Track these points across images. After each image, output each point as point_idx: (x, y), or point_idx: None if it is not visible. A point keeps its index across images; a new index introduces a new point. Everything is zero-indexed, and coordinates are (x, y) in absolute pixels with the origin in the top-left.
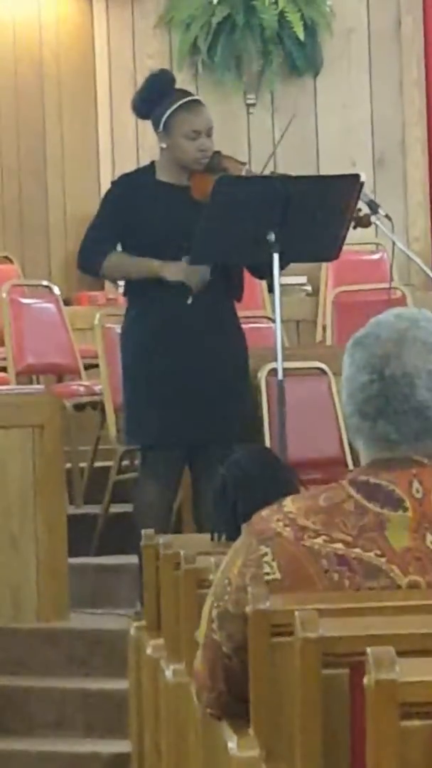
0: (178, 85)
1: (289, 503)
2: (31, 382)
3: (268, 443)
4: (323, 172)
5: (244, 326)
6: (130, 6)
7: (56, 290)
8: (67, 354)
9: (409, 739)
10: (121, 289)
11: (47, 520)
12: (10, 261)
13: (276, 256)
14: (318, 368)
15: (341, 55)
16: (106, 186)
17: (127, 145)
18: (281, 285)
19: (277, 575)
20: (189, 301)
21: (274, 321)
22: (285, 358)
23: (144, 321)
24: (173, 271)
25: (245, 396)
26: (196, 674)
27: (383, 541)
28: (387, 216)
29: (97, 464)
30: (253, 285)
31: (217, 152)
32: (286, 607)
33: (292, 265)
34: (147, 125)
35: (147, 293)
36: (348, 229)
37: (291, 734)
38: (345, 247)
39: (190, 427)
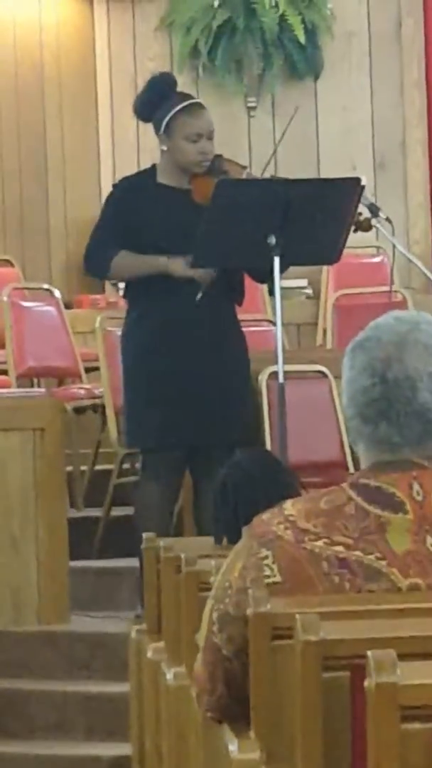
0: (178, 89)
1: (289, 506)
2: (32, 385)
3: (268, 446)
4: (324, 174)
5: (244, 329)
6: (130, 9)
7: (57, 293)
8: (68, 357)
9: (410, 742)
10: (121, 292)
11: (48, 522)
12: (11, 264)
13: (277, 259)
14: (318, 371)
15: (342, 57)
16: (106, 189)
17: (127, 147)
18: (282, 288)
19: (278, 578)
20: (199, 297)
21: (274, 324)
22: (286, 361)
23: (144, 324)
24: (181, 266)
25: (246, 399)
26: (196, 677)
27: (384, 544)
28: (387, 219)
29: (98, 467)
30: (254, 288)
31: (218, 155)
32: (287, 610)
33: (293, 268)
34: (148, 128)
35: (148, 295)
36: (348, 232)
37: (292, 737)
38: (345, 250)
39: (190, 429)
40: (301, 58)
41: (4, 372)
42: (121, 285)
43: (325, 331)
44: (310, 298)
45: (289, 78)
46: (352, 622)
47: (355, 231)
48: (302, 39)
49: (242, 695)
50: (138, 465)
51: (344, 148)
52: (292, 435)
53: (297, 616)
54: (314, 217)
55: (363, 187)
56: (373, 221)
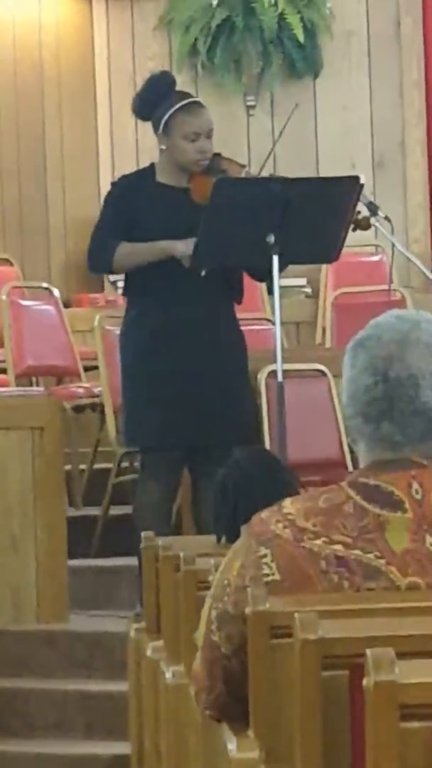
0: (177, 88)
1: (288, 505)
2: (30, 384)
3: (267, 445)
4: (323, 173)
5: (243, 328)
6: (129, 8)
7: (56, 292)
8: (67, 356)
9: (409, 740)
10: (120, 291)
11: (47, 521)
12: (10, 263)
13: (275, 258)
14: (318, 370)
15: (341, 56)
16: (105, 188)
17: (126, 146)
18: (281, 287)
19: (277, 576)
20: (203, 273)
21: (273, 323)
22: (285, 360)
23: (143, 323)
24: (183, 246)
25: (245, 398)
26: (195, 676)
27: (383, 543)
28: (386, 218)
29: (97, 466)
30: (253, 287)
31: (217, 154)
32: (286, 609)
33: (292, 267)
34: (147, 127)
35: (147, 294)
36: (347, 231)
37: (291, 736)
38: (344, 249)
39: (189, 428)
40: (300, 57)
41: (3, 371)
42: (120, 284)
43: (324, 330)
44: (309, 296)
45: (288, 77)
46: (351, 620)
47: (354, 230)
48: (301, 38)
49: (241, 694)
50: (137, 464)
51: (343, 148)
52: (291, 434)
53: (296, 614)
54: (313, 215)
55: (362, 186)
56: (372, 220)
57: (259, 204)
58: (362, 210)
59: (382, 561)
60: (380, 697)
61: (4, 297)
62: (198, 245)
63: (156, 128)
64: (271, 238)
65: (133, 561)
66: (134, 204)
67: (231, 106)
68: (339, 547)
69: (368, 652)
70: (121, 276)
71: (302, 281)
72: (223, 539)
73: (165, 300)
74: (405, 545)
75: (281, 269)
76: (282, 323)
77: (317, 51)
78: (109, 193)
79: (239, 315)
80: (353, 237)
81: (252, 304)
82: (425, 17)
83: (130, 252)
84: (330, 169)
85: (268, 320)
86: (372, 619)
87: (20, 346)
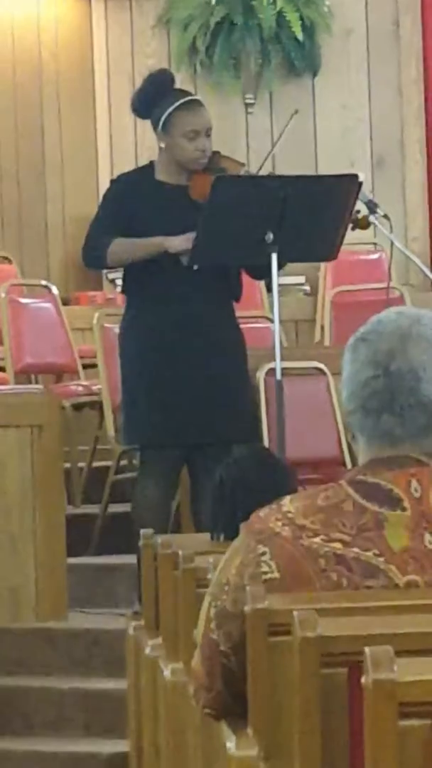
0: (176, 86)
1: (287, 503)
2: (29, 382)
3: (266, 443)
4: (322, 172)
5: (242, 326)
6: (128, 6)
7: (55, 290)
8: (66, 354)
9: (408, 738)
10: (119, 288)
11: (46, 519)
12: (9, 261)
13: (274, 256)
14: (316, 368)
15: (340, 55)
16: (104, 186)
17: (125, 145)
18: (279, 285)
19: (276, 574)
20: (195, 267)
21: (272, 321)
22: (283, 358)
23: (142, 321)
24: (177, 241)
25: (244, 396)
26: (193, 674)
27: (381, 541)
28: (385, 216)
29: (96, 464)
30: (252, 285)
31: (216, 152)
32: (285, 607)
33: (291, 265)
34: (146, 125)
35: (146, 292)
36: (346, 229)
37: (289, 734)
38: (343, 247)
39: (188, 426)
40: (298, 56)
41: (2, 369)
42: (119, 282)
43: (322, 328)
44: (308, 294)
45: (287, 75)
46: (350, 618)
47: (353, 229)
48: (300, 36)
49: (240, 692)
50: (136, 462)
51: (342, 146)
52: (289, 432)
53: (294, 612)
54: (312, 213)
55: (360, 184)
56: (371, 218)
57: (258, 202)
58: (361, 209)
59: (381, 559)
60: (379, 695)
61: (3, 295)
62: (197, 243)
63: (155, 126)
64: (270, 236)
65: (132, 559)
66: (133, 202)
67: (230, 104)
68: (338, 545)
69: (367, 650)
70: (120, 274)
71: (301, 279)
72: (222, 537)
73: (164, 298)
74: (404, 543)
75: (280, 267)
76: (281, 321)
77: (316, 49)
78: (108, 190)
79: (238, 313)
80: (352, 235)
81: (251, 302)
82: (424, 16)
83: (124, 246)
84: (329, 167)
85: (267, 318)
86: (371, 617)
87: (19, 343)
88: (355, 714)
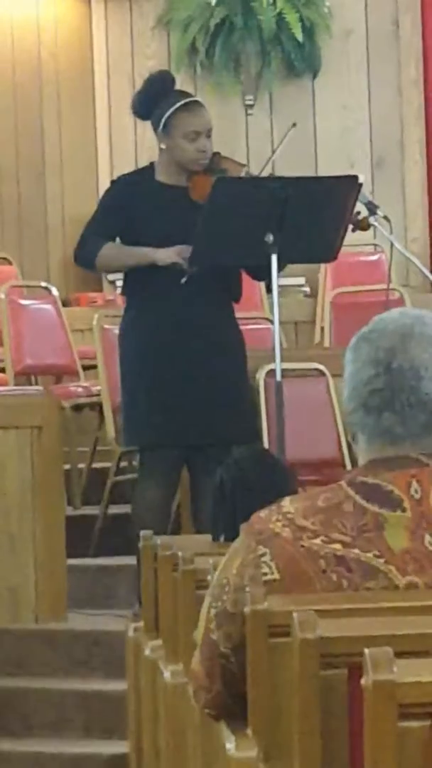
0: (176, 87)
1: (287, 504)
2: (29, 383)
3: (266, 444)
4: (322, 173)
5: (242, 327)
6: (128, 7)
7: (54, 291)
8: (66, 355)
9: (407, 739)
10: (119, 290)
11: (46, 521)
12: (9, 262)
13: (274, 257)
14: (316, 369)
15: (339, 55)
16: (104, 187)
17: (125, 145)
18: (279, 286)
19: (276, 575)
20: (183, 281)
21: (272, 322)
22: (283, 359)
23: (142, 322)
24: (164, 254)
25: (244, 397)
26: (193, 675)
27: (381, 542)
28: (385, 217)
29: (96, 465)
30: (252, 286)
31: (217, 153)
32: (284, 608)
33: (291, 266)
34: (146, 126)
35: (145, 293)
36: (346, 230)
37: (289, 735)
38: (343, 249)
39: (188, 427)
40: (298, 56)
41: (2, 370)
42: (119, 283)
43: (322, 329)
44: (308, 296)
45: (287, 76)
46: (350, 619)
47: (354, 230)
48: (300, 37)
49: (239, 693)
50: (136, 463)
51: (342, 147)
52: (289, 433)
53: (294, 613)
54: (312, 215)
55: (360, 185)
56: (371, 219)
57: (258, 203)
58: (361, 210)
59: (381, 560)
60: (379, 696)
61: (2, 296)
62: (196, 244)
63: (156, 127)
64: (270, 237)
65: (131, 560)
66: (133, 203)
67: (230, 105)
68: (338, 546)
69: (367, 651)
70: (120, 275)
71: (301, 280)
72: (222, 538)
73: (164, 299)
74: (404, 544)
75: (280, 268)
76: (281, 322)
77: (316, 50)
78: (107, 191)
79: (238, 314)
80: (352, 236)
81: (251, 304)
82: (424, 16)
83: (114, 254)
84: (329, 168)
85: (267, 319)
86: (371, 619)
87: (19, 345)
88: (354, 715)
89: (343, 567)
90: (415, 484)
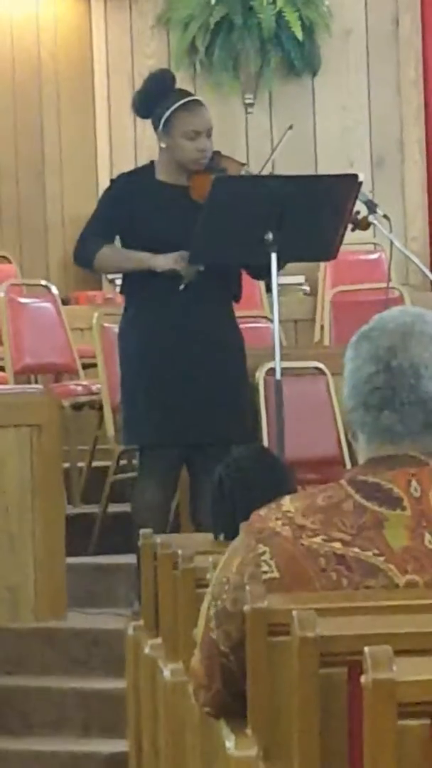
0: (176, 86)
1: (287, 502)
2: (29, 382)
3: (266, 443)
4: (321, 171)
5: (242, 326)
6: (128, 6)
7: (54, 290)
8: (65, 353)
9: (407, 738)
10: (118, 288)
11: (45, 519)
12: (8, 260)
13: (274, 256)
14: (316, 368)
15: (339, 55)
16: (104, 185)
17: (125, 144)
18: (279, 285)
19: (275, 574)
20: (181, 288)
21: (272, 321)
22: (283, 358)
23: (142, 321)
24: (163, 261)
25: (243, 396)
26: (193, 673)
27: (381, 541)
28: (385, 216)
29: (95, 464)
30: (252, 285)
31: (217, 152)
32: (284, 606)
33: (290, 265)
34: (145, 125)
35: (145, 292)
36: (346, 228)
37: (289, 733)
38: (343, 247)
39: (188, 426)
40: (298, 56)
41: (2, 369)
42: (118, 282)
43: (322, 328)
44: (308, 294)
45: (287, 75)
46: (350, 618)
47: (353, 230)
48: (300, 36)
49: (239, 691)
50: (135, 461)
51: (342, 146)
52: (289, 431)
53: (294, 612)
54: (311, 213)
55: (360, 184)
56: (371, 218)
57: (258, 202)
58: (361, 209)
59: (381, 558)
60: (378, 694)
61: (2, 294)
62: (196, 243)
63: (156, 126)
64: (270, 236)
65: (131, 559)
66: (133, 201)
67: (229, 104)
68: (338, 544)
69: (366, 649)
70: (119, 274)
71: (300, 279)
72: (221, 537)
73: (163, 298)
74: (404, 543)
75: (279, 267)
76: (280, 321)
77: (315, 49)
78: (107, 190)
79: (238, 313)
80: (351, 235)
81: (250, 302)
82: (423, 15)
83: (113, 256)
84: (328, 167)
85: (267, 318)
86: (370, 617)
87: (18, 343)
88: (354, 713)
89: (342, 565)
90: (414, 483)
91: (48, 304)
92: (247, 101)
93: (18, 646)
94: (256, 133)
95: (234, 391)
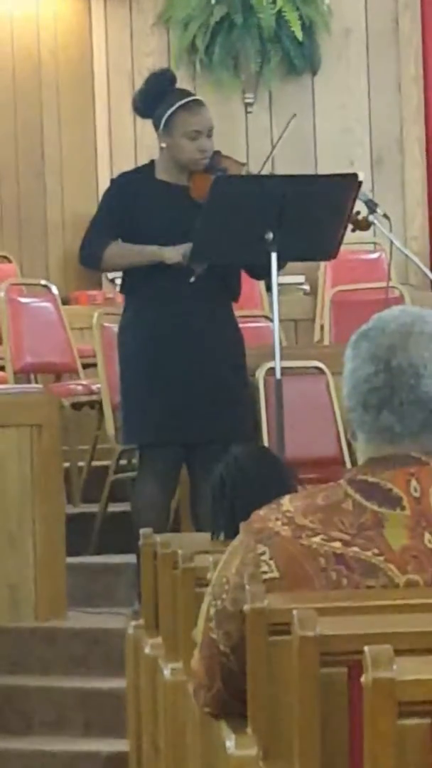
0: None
1: (287, 502)
2: (29, 382)
3: (266, 442)
4: (321, 171)
5: (242, 325)
6: (127, 5)
7: (54, 289)
8: (65, 353)
9: (407, 737)
10: (118, 288)
11: (45, 519)
12: (8, 260)
13: (274, 255)
14: (316, 367)
15: (339, 53)
16: (104, 185)
17: (125, 144)
18: (279, 284)
19: (275, 574)
20: (192, 280)
21: (272, 320)
22: (283, 357)
23: (141, 320)
24: (172, 253)
25: (243, 395)
26: (193, 673)
27: (381, 540)
28: (385, 215)
29: (95, 463)
30: (252, 284)
31: (217, 152)
32: (284, 606)
33: (290, 264)
34: (145, 124)
35: (144, 292)
36: (346, 228)
37: (289, 733)
38: (343, 247)
39: (188, 426)
40: (298, 55)
41: (2, 368)
42: (118, 281)
43: (322, 327)
44: (308, 294)
45: (287, 74)
46: (350, 617)
47: (354, 230)
48: (299, 35)
49: (239, 691)
50: (135, 461)
51: (341, 145)
52: (289, 431)
53: (294, 611)
54: (311, 213)
55: (360, 183)
56: (371, 217)
57: (258, 201)
58: (362, 210)
59: (381, 558)
60: (378, 694)
61: (2, 294)
62: (196, 242)
63: (156, 126)
64: (270, 236)
65: (131, 558)
66: (133, 201)
67: (229, 103)
68: (338, 544)
69: (366, 649)
70: (120, 273)
71: (300, 278)
72: (221, 536)
73: (163, 298)
74: (403, 542)
75: (280, 266)
76: (280, 320)
77: (315, 48)
78: (108, 190)
79: (238, 312)
80: (351, 234)
81: (250, 302)
82: (423, 14)
83: (119, 252)
84: (328, 166)
85: (267, 317)
86: (370, 617)
87: (19, 343)
88: (354, 713)
89: (342, 565)
90: (414, 483)
91: (48, 304)
92: (247, 100)
93: (18, 646)
94: (256, 132)
95: (234, 390)
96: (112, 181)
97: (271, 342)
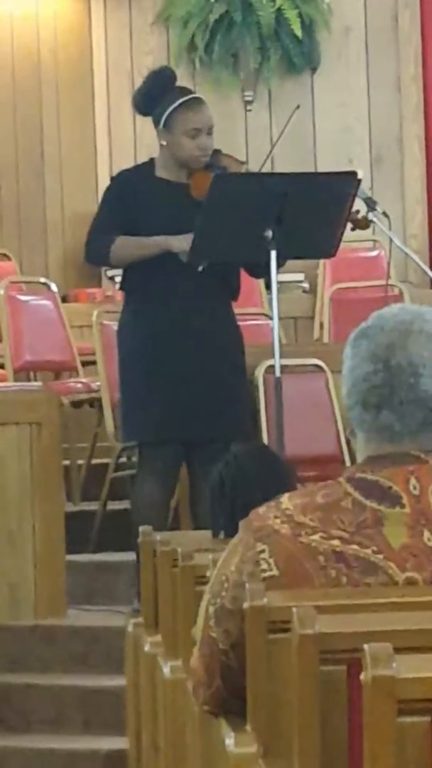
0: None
1: (286, 500)
2: (28, 379)
3: (265, 440)
4: (321, 169)
5: (241, 323)
6: (127, 3)
7: (54, 287)
8: (65, 351)
9: (407, 735)
10: (118, 285)
11: (45, 517)
12: (8, 258)
13: (273, 253)
14: (315, 365)
15: (339, 51)
16: (103, 182)
17: (124, 141)
18: (278, 282)
19: (275, 572)
20: (200, 269)
21: (271, 318)
22: (282, 355)
23: (141, 318)
24: (180, 242)
25: (242, 393)
26: (192, 671)
27: (380, 538)
28: (384, 213)
29: (95, 461)
30: (251, 282)
31: (217, 150)
32: (284, 604)
33: (290, 263)
34: (145, 122)
35: (144, 290)
36: (345, 226)
37: (288, 731)
38: (342, 245)
39: (187, 424)
40: (297, 53)
41: (1, 366)
42: (118, 279)
43: (321, 325)
44: (307, 292)
45: (286, 72)
46: (349, 615)
47: (353, 229)
48: (299, 33)
49: (239, 689)
50: (135, 459)
51: (341, 143)
52: (288, 429)
53: (293, 609)
54: (311, 211)
55: (360, 181)
56: (370, 215)
57: (257, 199)
58: (361, 209)
59: (380, 556)
60: (378, 691)
61: (1, 292)
62: (195, 240)
63: (156, 124)
64: (269, 233)
65: (131, 556)
66: (133, 199)
67: (229, 101)
68: (337, 542)
69: (366, 647)
70: (119, 271)
71: (300, 276)
72: (221, 534)
73: (162, 296)
74: (403, 540)
75: (279, 265)
76: (280, 318)
77: (315, 46)
78: (108, 188)
79: (237, 310)
80: (351, 233)
81: (250, 300)
82: (423, 12)
83: (126, 246)
84: (328, 164)
85: (266, 315)
86: (370, 614)
87: (18, 341)
88: (354, 711)
89: (342, 563)
90: (413, 481)
91: (48, 302)
92: (247, 98)
93: (18, 644)
94: (255, 130)
95: (233, 388)
96: (113, 178)
97: (271, 340)
